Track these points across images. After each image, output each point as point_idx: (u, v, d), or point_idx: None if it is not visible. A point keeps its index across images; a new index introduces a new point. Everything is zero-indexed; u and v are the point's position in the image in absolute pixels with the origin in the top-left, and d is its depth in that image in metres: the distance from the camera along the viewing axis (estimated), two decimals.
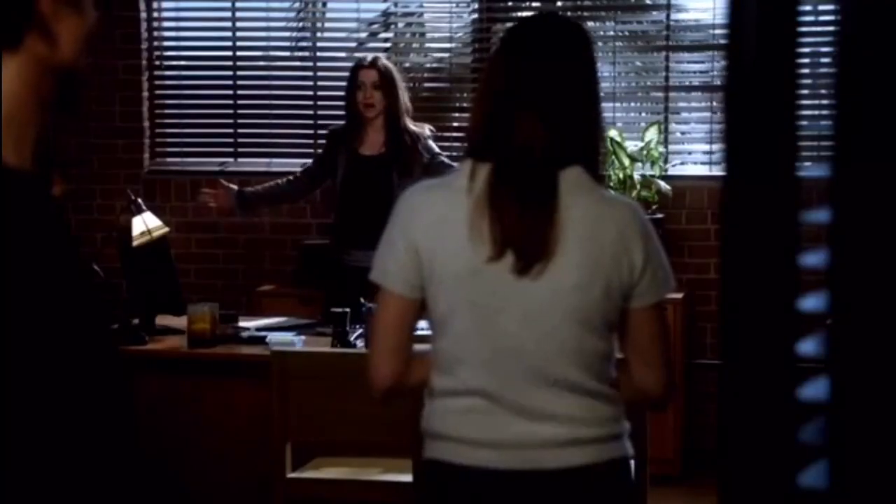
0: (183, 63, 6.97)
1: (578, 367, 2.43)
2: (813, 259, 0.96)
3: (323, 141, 5.68)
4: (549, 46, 2.48)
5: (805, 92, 0.97)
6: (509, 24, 6.71)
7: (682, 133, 6.61)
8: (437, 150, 5.51)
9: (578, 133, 2.45)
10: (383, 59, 5.56)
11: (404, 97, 5.47)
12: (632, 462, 2.53)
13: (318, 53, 6.74)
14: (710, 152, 6.41)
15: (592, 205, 2.44)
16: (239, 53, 6.87)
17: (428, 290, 2.46)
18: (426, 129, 5.53)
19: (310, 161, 5.85)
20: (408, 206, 2.50)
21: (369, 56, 5.60)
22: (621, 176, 6.05)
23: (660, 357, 2.51)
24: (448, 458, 2.47)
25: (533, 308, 2.42)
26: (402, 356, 2.49)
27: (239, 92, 6.86)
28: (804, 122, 0.96)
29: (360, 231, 5.45)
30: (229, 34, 6.87)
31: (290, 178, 5.70)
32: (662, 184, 6.07)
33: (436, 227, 2.44)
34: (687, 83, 6.52)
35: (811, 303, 0.96)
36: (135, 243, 5.19)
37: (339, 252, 5.49)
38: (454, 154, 6.67)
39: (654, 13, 6.54)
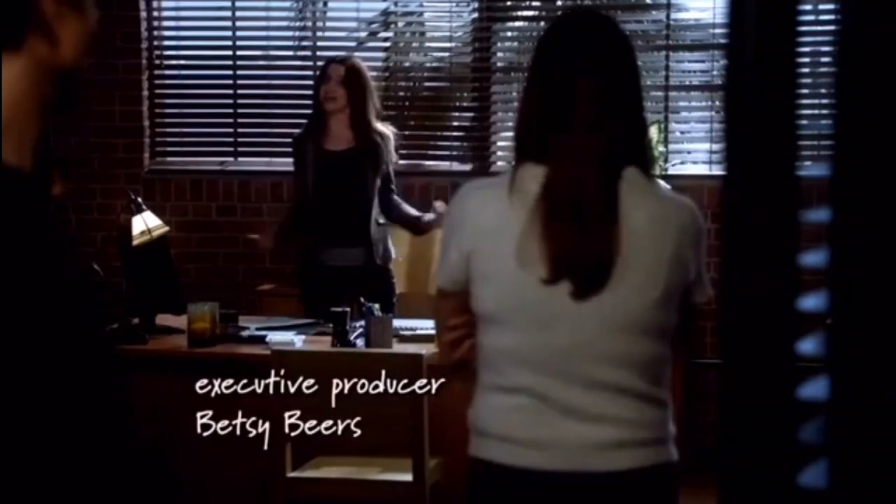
0: (183, 63, 6.97)
1: (631, 371, 2.38)
2: (813, 259, 0.96)
3: (291, 150, 5.68)
4: (595, 49, 2.41)
5: (805, 92, 0.97)
6: (509, 24, 6.78)
7: (682, 132, 6.62)
8: (395, 156, 5.53)
9: (629, 137, 2.40)
10: (357, 61, 5.56)
11: (374, 98, 5.47)
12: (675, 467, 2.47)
13: (319, 53, 6.74)
14: (711, 152, 6.41)
15: (653, 207, 2.39)
16: (239, 53, 6.88)
17: (475, 289, 2.42)
18: (390, 132, 5.53)
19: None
20: (461, 207, 2.47)
21: (344, 54, 5.63)
22: None
23: (680, 358, 2.51)
24: (493, 458, 2.42)
25: (587, 311, 2.36)
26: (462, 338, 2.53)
27: (239, 92, 6.86)
28: (804, 122, 0.96)
29: (336, 229, 5.39)
30: (229, 34, 6.88)
31: (296, 205, 5.59)
32: (662, 183, 6.06)
33: (489, 232, 2.40)
34: (687, 83, 6.52)
35: (811, 303, 0.96)
36: (135, 243, 5.19)
37: (314, 251, 5.42)
38: (454, 153, 6.73)
39: (654, 12, 6.54)
